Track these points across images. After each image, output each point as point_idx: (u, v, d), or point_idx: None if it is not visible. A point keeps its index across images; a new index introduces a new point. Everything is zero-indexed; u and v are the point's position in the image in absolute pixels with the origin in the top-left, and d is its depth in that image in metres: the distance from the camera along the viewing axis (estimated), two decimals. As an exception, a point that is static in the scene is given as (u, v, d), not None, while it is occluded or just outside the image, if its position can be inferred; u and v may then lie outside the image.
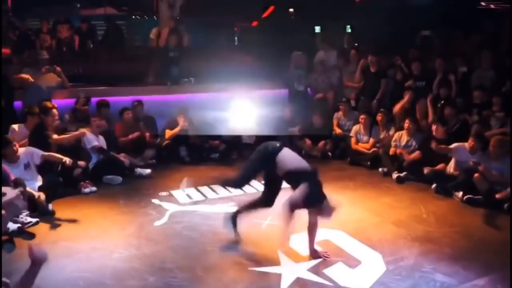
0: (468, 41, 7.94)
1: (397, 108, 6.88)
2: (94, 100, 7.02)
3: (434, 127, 6.01)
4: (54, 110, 5.85)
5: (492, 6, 9.95)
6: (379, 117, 6.86)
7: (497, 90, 6.38)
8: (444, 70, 7.07)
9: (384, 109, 6.99)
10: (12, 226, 4.38)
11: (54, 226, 4.76)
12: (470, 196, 5.33)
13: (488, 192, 5.22)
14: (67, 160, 5.25)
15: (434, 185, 5.71)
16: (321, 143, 7.38)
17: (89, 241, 4.43)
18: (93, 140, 6.16)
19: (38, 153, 5.30)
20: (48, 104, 5.95)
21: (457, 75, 7.05)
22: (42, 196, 4.96)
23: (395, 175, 6.21)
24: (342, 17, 12.50)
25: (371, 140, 6.90)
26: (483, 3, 10.13)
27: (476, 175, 5.31)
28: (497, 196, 5.16)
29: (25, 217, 4.57)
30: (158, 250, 4.25)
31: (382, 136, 6.85)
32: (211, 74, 8.70)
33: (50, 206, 5.04)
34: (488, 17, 8.99)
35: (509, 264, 3.73)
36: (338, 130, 7.45)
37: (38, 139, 5.49)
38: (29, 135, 5.68)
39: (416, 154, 6.23)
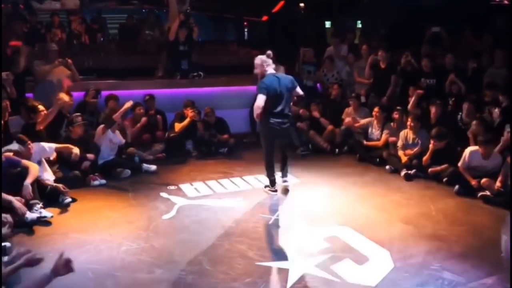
0: (479, 38, 7.84)
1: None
2: (104, 93, 7.06)
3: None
4: (42, 113, 5.68)
5: (506, 1, 9.81)
6: (395, 115, 6.74)
7: (508, 88, 6.29)
8: (454, 66, 7.00)
9: (400, 108, 6.80)
10: (30, 215, 4.44)
11: (64, 217, 4.81)
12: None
13: (499, 193, 5.19)
14: (76, 151, 5.41)
15: (456, 187, 5.58)
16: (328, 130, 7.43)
17: (98, 233, 4.47)
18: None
19: (51, 147, 5.36)
20: (37, 105, 5.77)
21: (468, 71, 6.98)
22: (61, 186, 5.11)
23: (403, 172, 6.16)
24: (353, 13, 12.44)
25: (384, 135, 6.78)
26: (496, -1, 10.00)
27: (483, 180, 5.29)
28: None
29: (39, 210, 4.62)
30: (166, 243, 4.28)
31: (396, 134, 6.63)
32: (221, 68, 8.72)
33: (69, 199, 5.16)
34: (500, 14, 8.87)
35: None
36: (347, 120, 7.30)
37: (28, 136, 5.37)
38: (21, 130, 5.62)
39: (417, 150, 6.21)
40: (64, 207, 5.02)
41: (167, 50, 8.32)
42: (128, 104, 6.19)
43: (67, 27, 9.50)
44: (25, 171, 4.66)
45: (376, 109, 6.94)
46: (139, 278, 3.67)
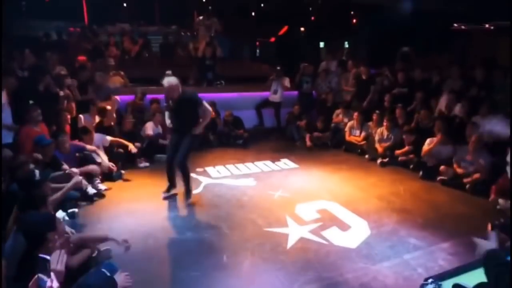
0: (441, 57, 7.69)
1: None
2: (148, 97, 7.10)
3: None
4: (110, 111, 5.84)
5: (463, 27, 9.61)
6: (375, 116, 6.64)
7: (464, 95, 6.16)
8: (422, 78, 6.87)
9: (379, 111, 6.64)
10: (91, 190, 4.50)
11: (117, 191, 4.87)
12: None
13: (453, 177, 5.12)
14: (131, 147, 5.51)
15: (421, 173, 5.50)
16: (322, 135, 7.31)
17: (143, 203, 4.52)
18: None
19: (107, 139, 5.43)
20: (105, 106, 5.91)
21: (432, 82, 6.84)
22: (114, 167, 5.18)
23: (379, 160, 6.11)
24: (342, 35, 12.35)
25: (363, 133, 6.74)
26: (455, 25, 9.80)
27: (442, 167, 5.20)
28: (465, 180, 4.97)
29: (98, 184, 4.71)
30: (195, 212, 4.32)
31: (374, 131, 6.61)
32: (238, 78, 8.70)
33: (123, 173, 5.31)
34: (458, 37, 8.71)
35: (469, 232, 3.64)
36: (336, 119, 7.28)
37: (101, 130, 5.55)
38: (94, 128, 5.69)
39: (390, 143, 6.16)
40: (116, 183, 5.08)
41: (196, 64, 8.32)
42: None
43: (120, 46, 9.53)
44: (89, 155, 4.78)
45: (355, 113, 6.88)
46: (173, 238, 3.73)
